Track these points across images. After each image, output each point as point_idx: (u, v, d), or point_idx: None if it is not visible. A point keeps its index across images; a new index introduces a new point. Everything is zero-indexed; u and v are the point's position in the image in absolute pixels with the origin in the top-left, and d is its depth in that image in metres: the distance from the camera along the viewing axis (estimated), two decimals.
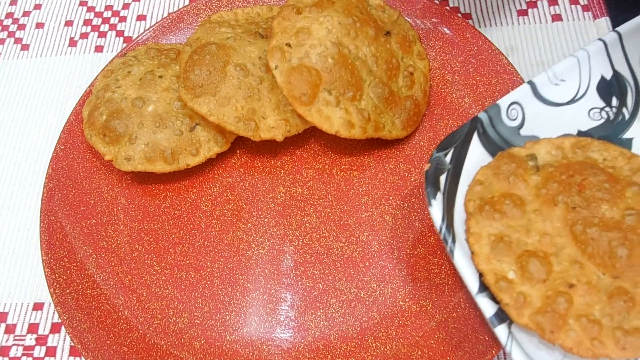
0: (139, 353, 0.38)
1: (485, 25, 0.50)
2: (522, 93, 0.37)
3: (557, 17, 0.49)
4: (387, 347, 0.38)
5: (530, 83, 0.37)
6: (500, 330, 0.31)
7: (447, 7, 0.51)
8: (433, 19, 0.47)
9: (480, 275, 0.32)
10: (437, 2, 0.51)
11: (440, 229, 0.33)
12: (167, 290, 0.41)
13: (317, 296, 0.40)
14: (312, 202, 0.43)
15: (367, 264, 0.40)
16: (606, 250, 0.31)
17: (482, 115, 0.36)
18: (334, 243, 0.41)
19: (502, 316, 0.31)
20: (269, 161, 0.45)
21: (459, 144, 0.35)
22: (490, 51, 0.44)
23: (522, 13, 0.50)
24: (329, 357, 0.38)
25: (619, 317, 0.30)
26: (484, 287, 0.32)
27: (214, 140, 0.43)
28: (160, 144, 0.41)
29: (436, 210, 0.33)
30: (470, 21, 0.50)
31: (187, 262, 0.42)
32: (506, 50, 0.48)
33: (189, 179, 0.45)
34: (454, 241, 0.32)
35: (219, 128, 0.42)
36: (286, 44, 0.40)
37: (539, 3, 0.50)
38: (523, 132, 0.37)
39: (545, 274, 0.31)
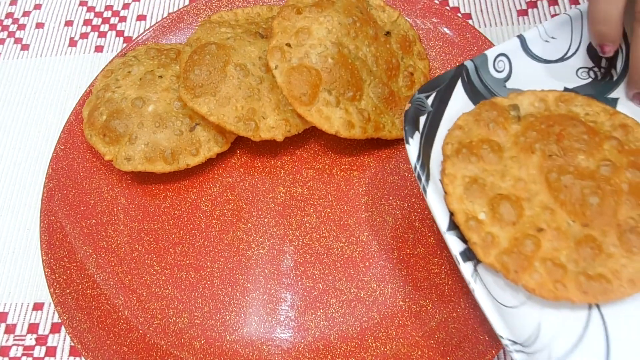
0: (139, 353, 0.38)
1: (485, 25, 0.50)
2: (511, 46, 0.36)
3: None
4: (387, 347, 0.38)
5: (520, 37, 0.36)
6: (466, 268, 0.31)
7: (447, 7, 0.51)
8: (433, 19, 0.47)
9: (452, 215, 0.32)
10: (437, 2, 0.51)
11: (415, 167, 0.32)
12: (167, 290, 0.41)
13: (317, 296, 0.40)
14: (312, 202, 0.43)
15: (367, 264, 0.40)
16: (578, 197, 0.32)
17: (468, 63, 0.36)
18: (334, 243, 0.41)
19: (469, 255, 0.31)
20: (269, 161, 0.45)
21: (442, 88, 0.35)
22: None
23: (522, 13, 0.50)
24: (329, 357, 0.38)
25: (584, 264, 0.31)
26: (453, 227, 0.32)
27: (214, 140, 0.43)
28: (160, 144, 0.41)
29: (413, 148, 0.33)
30: (470, 21, 0.50)
31: (187, 262, 0.42)
32: None
33: (189, 179, 0.45)
34: (427, 179, 0.32)
35: (219, 128, 0.42)
36: (286, 44, 0.40)
37: (539, 3, 0.50)
38: (509, 84, 0.37)
39: (515, 217, 0.31)
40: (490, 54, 0.36)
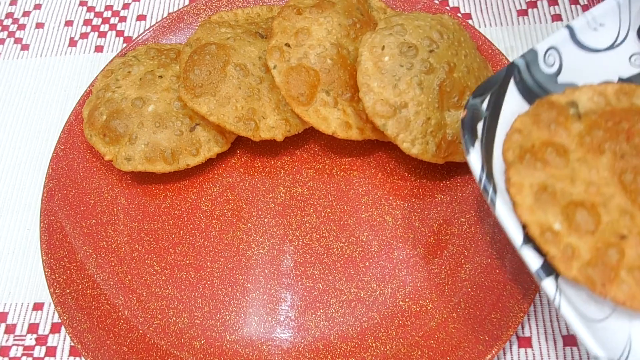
0: (139, 353, 0.38)
1: (485, 25, 0.50)
2: (559, 37, 0.35)
3: (557, 17, 0.49)
4: (387, 347, 0.38)
5: (568, 27, 0.35)
6: (548, 284, 0.29)
7: (447, 7, 0.51)
8: None
9: (524, 227, 0.30)
10: (437, 2, 0.51)
11: (480, 179, 0.31)
12: (167, 290, 0.41)
13: (317, 296, 0.40)
14: (312, 202, 0.43)
15: (367, 264, 0.40)
16: None
17: (519, 61, 0.34)
18: (334, 243, 0.41)
19: (548, 270, 0.30)
20: (269, 161, 0.45)
21: (495, 90, 0.33)
22: (490, 51, 0.44)
23: (522, 13, 0.50)
24: (329, 357, 0.38)
25: None
26: (527, 240, 0.30)
27: (214, 140, 0.43)
28: (160, 144, 0.41)
29: (475, 158, 0.31)
30: (470, 21, 0.50)
31: (187, 262, 0.42)
32: (506, 50, 0.48)
33: (189, 179, 0.45)
34: (495, 191, 0.31)
35: (219, 128, 0.42)
36: (285, 44, 0.40)
37: (539, 3, 0.50)
38: (560, 79, 0.35)
39: (593, 225, 0.30)
40: (540, 48, 0.35)
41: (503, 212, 0.30)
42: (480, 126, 0.32)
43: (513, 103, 0.34)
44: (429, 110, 0.38)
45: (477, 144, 0.32)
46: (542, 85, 0.35)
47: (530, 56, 0.35)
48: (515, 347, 0.38)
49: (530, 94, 0.35)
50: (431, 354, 0.37)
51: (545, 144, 0.32)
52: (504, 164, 0.32)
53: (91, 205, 0.44)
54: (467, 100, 0.33)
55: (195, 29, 0.49)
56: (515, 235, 0.30)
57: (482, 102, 0.33)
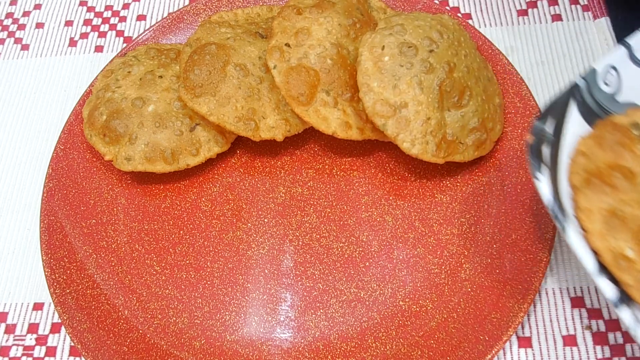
0: (139, 353, 0.38)
1: (485, 25, 0.50)
2: (618, 56, 0.34)
3: (557, 17, 0.49)
4: (387, 347, 0.38)
5: (625, 44, 0.34)
6: (625, 314, 0.29)
7: (447, 7, 0.51)
8: None
9: (595, 253, 0.30)
10: (437, 2, 0.51)
11: (550, 205, 0.30)
12: (167, 290, 0.41)
13: (317, 296, 0.40)
14: (312, 202, 0.43)
15: (367, 264, 0.40)
16: None
17: (580, 81, 0.34)
18: (334, 243, 0.41)
19: (624, 298, 0.29)
20: (269, 161, 0.45)
21: (558, 113, 0.33)
22: (490, 51, 0.44)
23: (522, 13, 0.50)
24: (329, 357, 0.38)
25: None
26: (601, 267, 0.30)
27: (214, 140, 0.43)
28: (160, 144, 0.41)
29: (544, 184, 0.31)
30: (470, 21, 0.50)
31: (187, 262, 0.42)
32: (506, 50, 0.48)
33: (189, 179, 0.45)
34: (565, 217, 0.30)
35: (219, 128, 0.42)
36: (285, 44, 0.40)
37: (539, 3, 0.50)
38: (619, 98, 0.35)
39: None
40: (600, 67, 0.34)
41: (575, 239, 0.30)
42: (545, 150, 0.32)
43: (575, 124, 0.34)
44: (429, 110, 0.38)
45: (545, 169, 0.31)
46: (603, 105, 0.34)
47: (591, 76, 0.34)
48: (515, 347, 0.38)
49: (590, 114, 0.34)
50: (431, 354, 0.37)
51: (611, 167, 0.31)
52: (569, 187, 0.32)
53: (91, 205, 0.44)
54: (532, 124, 0.32)
55: (195, 29, 0.49)
56: (589, 263, 0.30)
57: (546, 124, 0.33)
